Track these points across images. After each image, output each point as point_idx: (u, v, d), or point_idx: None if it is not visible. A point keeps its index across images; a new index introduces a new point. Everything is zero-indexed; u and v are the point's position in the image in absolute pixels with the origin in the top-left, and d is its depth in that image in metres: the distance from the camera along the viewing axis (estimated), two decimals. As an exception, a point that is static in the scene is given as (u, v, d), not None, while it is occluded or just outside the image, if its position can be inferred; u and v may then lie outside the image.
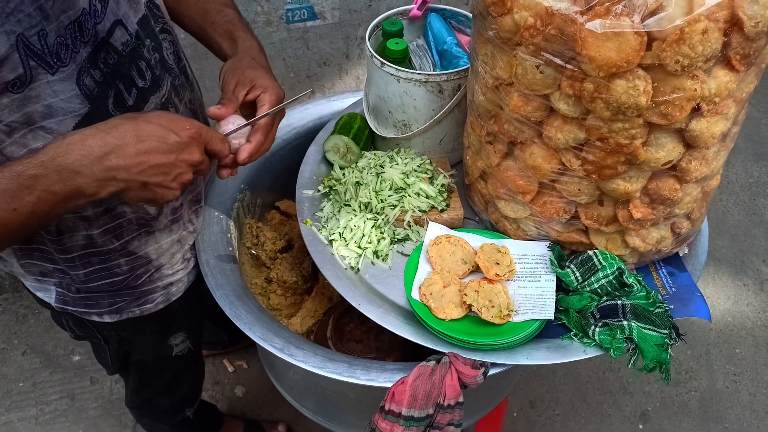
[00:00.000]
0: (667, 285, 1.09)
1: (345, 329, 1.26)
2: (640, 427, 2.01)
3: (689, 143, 0.87)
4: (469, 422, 1.39)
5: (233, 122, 0.90)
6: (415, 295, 1.02)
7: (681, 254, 1.14)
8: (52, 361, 2.06)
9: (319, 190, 1.24)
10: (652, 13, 0.74)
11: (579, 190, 0.95)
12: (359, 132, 1.26)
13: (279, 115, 0.98)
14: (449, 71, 1.12)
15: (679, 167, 0.91)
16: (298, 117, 1.45)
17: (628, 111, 0.81)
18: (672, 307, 1.01)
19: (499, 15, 0.85)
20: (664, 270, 1.12)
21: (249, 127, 0.92)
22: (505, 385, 1.37)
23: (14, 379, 2.01)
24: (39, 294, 1.06)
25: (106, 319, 1.08)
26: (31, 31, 0.73)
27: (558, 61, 0.81)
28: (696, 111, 0.83)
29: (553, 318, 0.98)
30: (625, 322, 0.97)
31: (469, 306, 0.98)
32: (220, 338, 1.99)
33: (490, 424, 1.59)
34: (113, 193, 0.78)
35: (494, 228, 1.15)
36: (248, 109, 0.97)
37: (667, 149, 0.87)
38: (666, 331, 0.98)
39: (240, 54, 0.99)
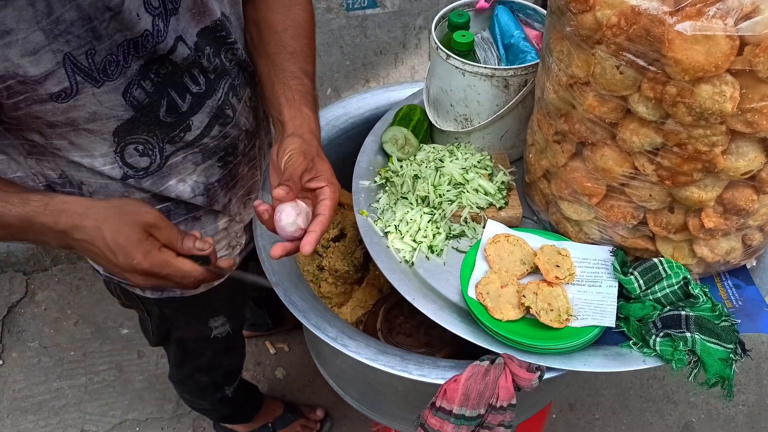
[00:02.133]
0: (732, 298, 1.05)
1: (395, 322, 1.26)
2: (684, 438, 1.96)
3: (773, 153, 0.83)
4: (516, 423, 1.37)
5: (295, 209, 0.84)
6: (471, 293, 1.00)
7: (748, 266, 1.09)
8: (102, 333, 2.12)
9: (375, 182, 1.23)
10: (746, 17, 0.71)
11: (650, 195, 0.92)
12: (419, 124, 1.25)
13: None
14: (517, 66, 1.10)
15: (758, 177, 0.87)
16: (355, 106, 1.44)
17: (711, 117, 0.77)
18: (739, 321, 0.97)
19: (580, 12, 0.82)
20: (729, 282, 1.08)
21: (309, 210, 0.87)
22: (554, 388, 1.35)
23: (66, 348, 2.08)
24: (90, 261, 1.09)
25: (149, 294, 1.10)
26: (79, 51, 0.74)
27: (640, 62, 0.78)
28: (783, 120, 0.79)
29: (614, 325, 0.96)
30: (688, 334, 0.94)
31: (527, 308, 0.97)
32: (263, 321, 2.02)
33: (532, 426, 1.57)
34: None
35: (554, 229, 1.13)
36: (307, 196, 0.91)
37: (749, 158, 0.83)
38: (731, 346, 0.94)
39: (308, 136, 0.93)
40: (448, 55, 1.14)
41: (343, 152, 1.40)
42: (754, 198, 0.89)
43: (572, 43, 0.86)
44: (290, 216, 0.83)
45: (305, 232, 0.83)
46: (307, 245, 0.82)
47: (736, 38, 0.71)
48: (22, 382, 1.98)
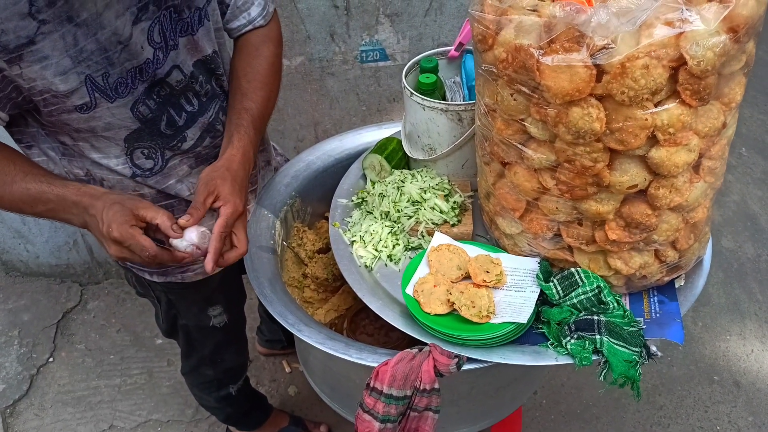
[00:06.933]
0: (653, 311, 1.14)
1: (360, 324, 1.41)
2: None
3: (654, 170, 0.96)
4: (481, 426, 1.44)
5: (194, 231, 1.03)
6: (409, 291, 1.15)
7: (677, 285, 1.18)
8: (139, 341, 2.37)
9: (353, 200, 1.42)
10: (601, 50, 0.86)
11: (557, 208, 1.05)
12: (393, 152, 1.44)
13: (242, 221, 1.11)
14: (467, 102, 1.28)
15: (648, 193, 0.99)
16: (350, 140, 1.65)
17: (586, 136, 0.92)
18: (645, 327, 1.06)
19: (484, 51, 1.00)
20: (655, 298, 1.17)
21: (206, 230, 1.04)
22: (515, 393, 1.41)
23: (107, 352, 2.34)
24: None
25: (156, 278, 1.32)
26: (97, 73, 0.98)
27: (525, 90, 0.94)
28: (654, 140, 0.92)
29: (526, 321, 1.07)
30: (597, 336, 1.04)
31: (453, 304, 1.10)
32: (278, 337, 2.20)
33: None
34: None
35: (497, 244, 1.26)
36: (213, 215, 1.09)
37: (631, 174, 0.96)
38: (637, 350, 1.04)
39: (220, 163, 1.12)
40: (411, 93, 1.33)
41: (338, 179, 1.61)
42: (649, 213, 1.01)
43: (484, 77, 1.04)
44: (181, 239, 1.02)
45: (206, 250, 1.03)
46: (206, 264, 1.02)
47: (593, 67, 0.87)
48: (66, 378, 2.25)
